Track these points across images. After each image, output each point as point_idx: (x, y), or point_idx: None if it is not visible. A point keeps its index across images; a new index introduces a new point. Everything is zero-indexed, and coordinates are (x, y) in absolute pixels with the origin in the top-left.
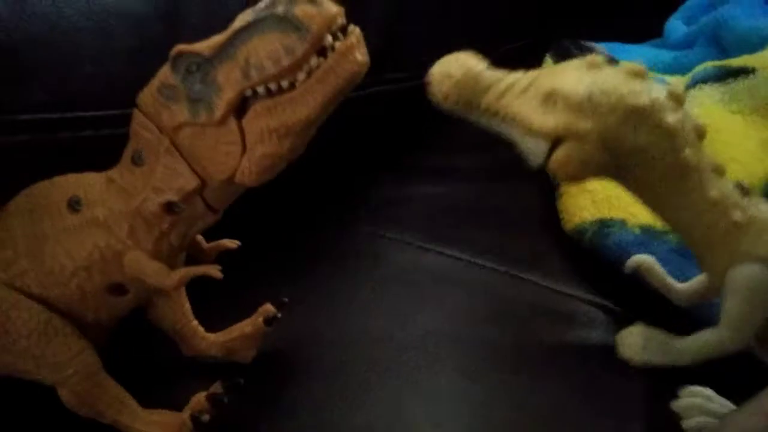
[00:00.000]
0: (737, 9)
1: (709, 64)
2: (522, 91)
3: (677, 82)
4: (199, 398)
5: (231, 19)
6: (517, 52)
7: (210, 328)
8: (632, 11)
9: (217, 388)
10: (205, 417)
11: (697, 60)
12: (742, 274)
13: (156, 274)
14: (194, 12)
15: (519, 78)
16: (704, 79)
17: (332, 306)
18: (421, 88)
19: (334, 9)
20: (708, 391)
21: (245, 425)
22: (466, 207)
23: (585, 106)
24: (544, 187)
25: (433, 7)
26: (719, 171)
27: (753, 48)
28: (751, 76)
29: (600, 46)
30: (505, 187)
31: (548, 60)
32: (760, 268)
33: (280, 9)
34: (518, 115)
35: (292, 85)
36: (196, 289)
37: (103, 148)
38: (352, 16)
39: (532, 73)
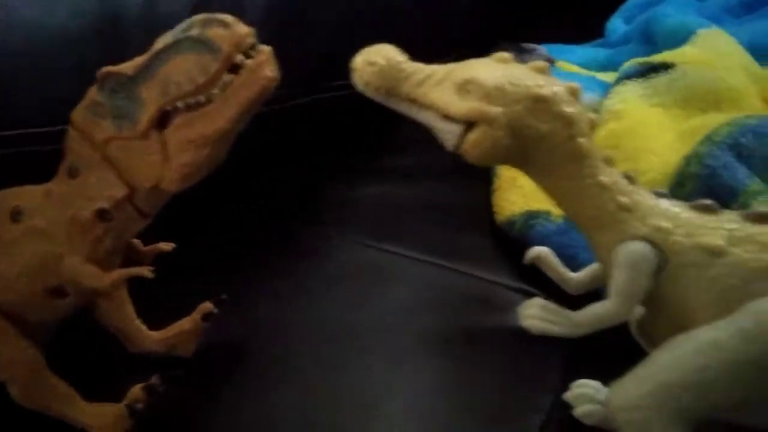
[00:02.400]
0: (669, 6)
1: (634, 61)
2: (439, 81)
3: (609, 78)
4: (136, 389)
5: None
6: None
7: (157, 326)
8: (575, 13)
9: (155, 379)
10: (139, 406)
11: (628, 57)
12: (627, 250)
13: (92, 277)
14: (132, 32)
15: (436, 69)
16: (628, 75)
17: (275, 303)
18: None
19: (244, 30)
20: (596, 384)
21: (186, 414)
22: (409, 205)
23: (495, 94)
24: (481, 184)
25: (377, 17)
26: (608, 161)
27: (680, 43)
28: (671, 71)
29: (540, 47)
30: (446, 185)
31: None
32: (642, 245)
33: (194, 32)
34: (435, 102)
35: (209, 100)
36: (146, 290)
37: (47, 162)
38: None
39: (449, 66)
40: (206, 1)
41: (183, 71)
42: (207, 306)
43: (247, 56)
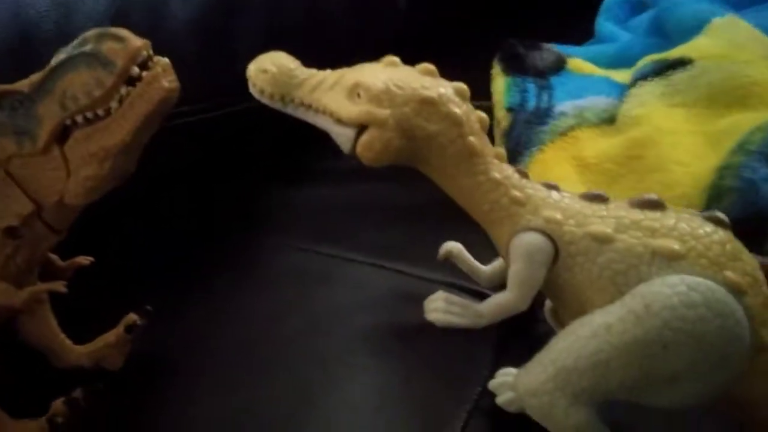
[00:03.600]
0: None
1: (648, 59)
2: (331, 86)
3: (624, 77)
4: (57, 404)
5: None
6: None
7: (85, 339)
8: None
9: (77, 393)
10: (59, 419)
11: (641, 50)
12: (522, 241)
13: (3, 294)
14: (44, 49)
15: (328, 74)
16: (644, 76)
17: (210, 312)
18: None
19: (138, 43)
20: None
21: (109, 428)
22: (347, 208)
23: (383, 97)
24: (417, 184)
25: (303, 21)
26: (500, 157)
27: (694, 33)
28: (689, 67)
29: (550, 45)
30: (383, 186)
31: (496, 66)
32: (536, 236)
33: (88, 47)
34: (328, 107)
35: (107, 113)
36: (68, 303)
37: None
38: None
39: (340, 71)
40: (124, 16)
41: (79, 86)
42: (131, 317)
43: (144, 69)
